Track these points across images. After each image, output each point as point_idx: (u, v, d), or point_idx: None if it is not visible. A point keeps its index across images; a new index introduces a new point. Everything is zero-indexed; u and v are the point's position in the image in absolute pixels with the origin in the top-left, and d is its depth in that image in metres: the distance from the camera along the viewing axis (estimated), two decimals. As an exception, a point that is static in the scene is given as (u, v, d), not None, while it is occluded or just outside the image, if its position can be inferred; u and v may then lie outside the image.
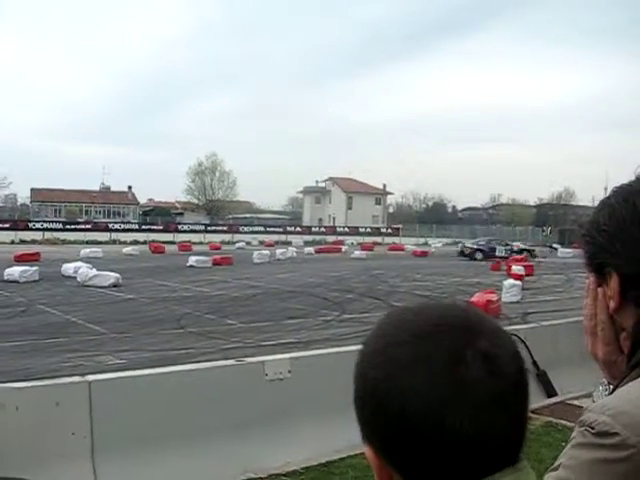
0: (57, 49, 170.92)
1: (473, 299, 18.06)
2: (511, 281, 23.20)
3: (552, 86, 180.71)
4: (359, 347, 0.91)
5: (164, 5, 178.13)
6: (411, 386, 0.81)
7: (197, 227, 75.90)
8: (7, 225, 64.96)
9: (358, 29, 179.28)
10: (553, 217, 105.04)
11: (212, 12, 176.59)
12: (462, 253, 49.72)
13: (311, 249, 53.67)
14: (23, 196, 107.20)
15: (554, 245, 66.90)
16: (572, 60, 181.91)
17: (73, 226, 69.34)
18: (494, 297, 18.49)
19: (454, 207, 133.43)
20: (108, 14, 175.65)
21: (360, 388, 0.86)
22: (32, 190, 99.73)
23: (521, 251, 48.83)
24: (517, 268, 29.86)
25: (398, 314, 0.91)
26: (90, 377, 5.77)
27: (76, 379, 5.83)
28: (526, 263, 34.48)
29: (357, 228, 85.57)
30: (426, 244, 70.36)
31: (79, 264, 27.85)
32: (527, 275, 29.26)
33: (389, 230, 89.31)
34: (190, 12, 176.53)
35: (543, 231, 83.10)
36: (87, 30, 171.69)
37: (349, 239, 72.01)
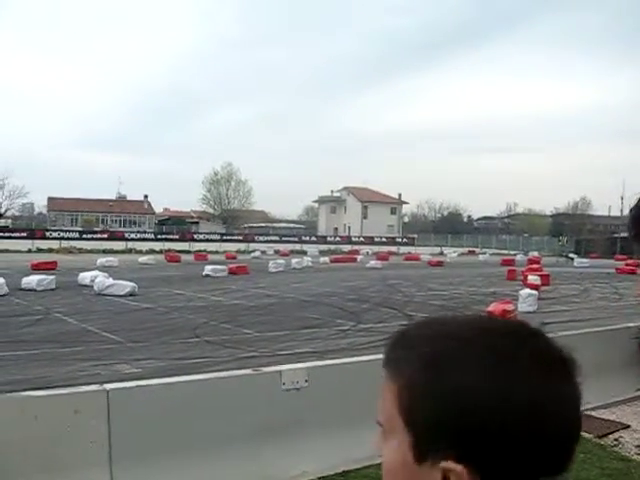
0: (74, 61, 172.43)
1: (489, 309, 18.01)
2: (527, 291, 23.08)
3: (569, 95, 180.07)
4: (420, 362, 0.88)
5: (179, 18, 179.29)
6: (508, 392, 0.83)
7: (213, 236, 76.35)
8: (24, 234, 65.54)
9: (373, 40, 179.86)
10: (569, 227, 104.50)
11: (227, 25, 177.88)
12: None
13: (326, 258, 53.62)
14: (40, 205, 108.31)
15: (570, 255, 66.62)
16: (590, 69, 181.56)
17: (90, 235, 69.85)
18: (510, 307, 18.42)
19: (469, 217, 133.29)
20: (125, 27, 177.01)
21: (454, 401, 0.84)
22: (49, 199, 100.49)
23: None
24: (533, 278, 29.71)
25: (453, 329, 0.92)
26: (108, 386, 5.80)
27: (94, 387, 5.86)
28: (542, 272, 34.28)
29: (372, 238, 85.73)
30: (441, 254, 70.19)
31: (95, 273, 27.98)
32: (543, 285, 29.11)
33: (404, 239, 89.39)
34: (205, 25, 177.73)
35: (559, 241, 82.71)
36: (104, 42, 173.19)
37: (364, 248, 71.95)
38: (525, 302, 21.63)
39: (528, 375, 0.85)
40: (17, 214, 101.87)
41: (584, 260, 59.46)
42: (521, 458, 0.83)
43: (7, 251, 52.54)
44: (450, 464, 0.83)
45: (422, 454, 0.86)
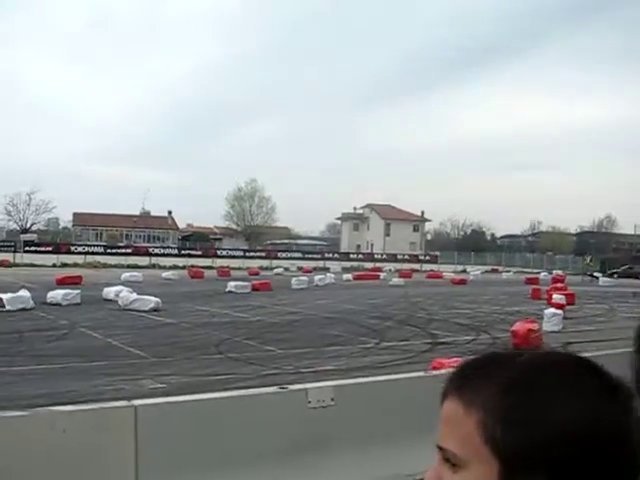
0: (100, 74, 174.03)
1: (514, 328, 17.91)
2: (552, 310, 22.93)
3: (594, 111, 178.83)
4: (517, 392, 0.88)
5: (208, 32, 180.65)
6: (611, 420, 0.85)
7: (236, 252, 76.47)
8: (50, 248, 66.09)
9: (402, 57, 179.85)
10: (594, 245, 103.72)
11: (257, 39, 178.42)
12: None
13: (349, 275, 53.61)
14: (65, 220, 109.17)
15: (595, 274, 66.08)
16: (614, 85, 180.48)
17: (114, 250, 70.31)
18: (535, 326, 18.29)
19: (493, 234, 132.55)
20: (151, 41, 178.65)
21: (547, 426, 0.84)
22: (74, 214, 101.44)
23: None
24: (558, 297, 29.51)
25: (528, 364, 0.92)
26: (136, 402, 5.81)
27: (123, 403, 5.88)
28: (567, 291, 34.02)
29: (395, 255, 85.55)
30: (464, 271, 69.94)
31: (120, 288, 28.16)
32: (568, 304, 28.89)
33: (427, 257, 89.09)
34: (235, 39, 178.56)
35: (584, 260, 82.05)
36: (131, 56, 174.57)
37: (387, 266, 71.85)
38: (550, 321, 21.47)
39: (604, 401, 0.86)
40: (43, 228, 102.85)
41: (609, 279, 58.98)
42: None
43: (32, 265, 53.09)
44: None
45: None
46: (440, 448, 0.92)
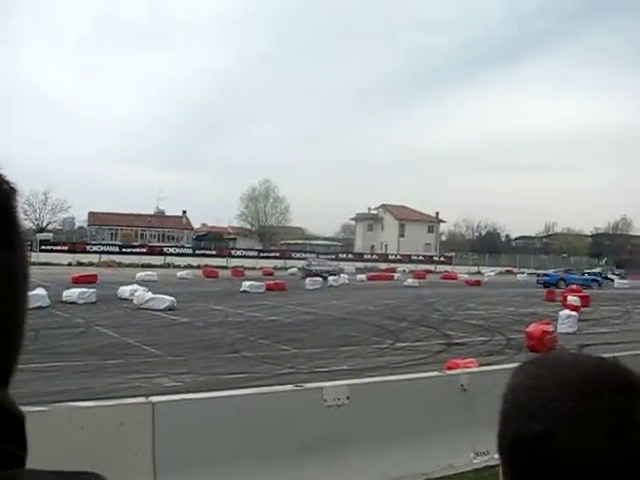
0: (115, 75, 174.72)
1: (529, 329, 17.87)
2: (567, 312, 22.84)
3: (608, 113, 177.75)
4: (504, 394, 0.91)
5: (219, 35, 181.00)
6: (579, 442, 0.80)
7: (250, 252, 76.54)
8: (65, 247, 66.47)
9: (415, 57, 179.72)
10: (609, 247, 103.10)
11: (268, 40, 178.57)
12: None
13: (363, 276, 53.59)
14: (81, 219, 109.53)
15: (610, 276, 65.72)
16: (629, 85, 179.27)
17: (129, 249, 70.54)
18: (550, 328, 18.23)
19: (507, 236, 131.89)
20: (165, 44, 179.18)
21: (517, 439, 0.85)
22: (90, 214, 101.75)
23: None
24: (573, 299, 29.40)
25: (550, 366, 0.90)
26: (154, 398, 5.88)
27: (140, 400, 5.95)
28: (582, 294, 33.88)
29: (409, 256, 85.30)
30: (479, 273, 69.72)
31: (135, 287, 28.31)
32: (583, 306, 28.78)
33: (441, 258, 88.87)
34: (246, 41, 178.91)
35: (599, 261, 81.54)
36: (145, 58, 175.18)
37: (401, 267, 71.72)
38: (565, 323, 21.40)
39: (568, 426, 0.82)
40: (58, 228, 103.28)
41: (624, 281, 58.68)
42: None
43: (49, 264, 53.31)
44: None
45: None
46: None
